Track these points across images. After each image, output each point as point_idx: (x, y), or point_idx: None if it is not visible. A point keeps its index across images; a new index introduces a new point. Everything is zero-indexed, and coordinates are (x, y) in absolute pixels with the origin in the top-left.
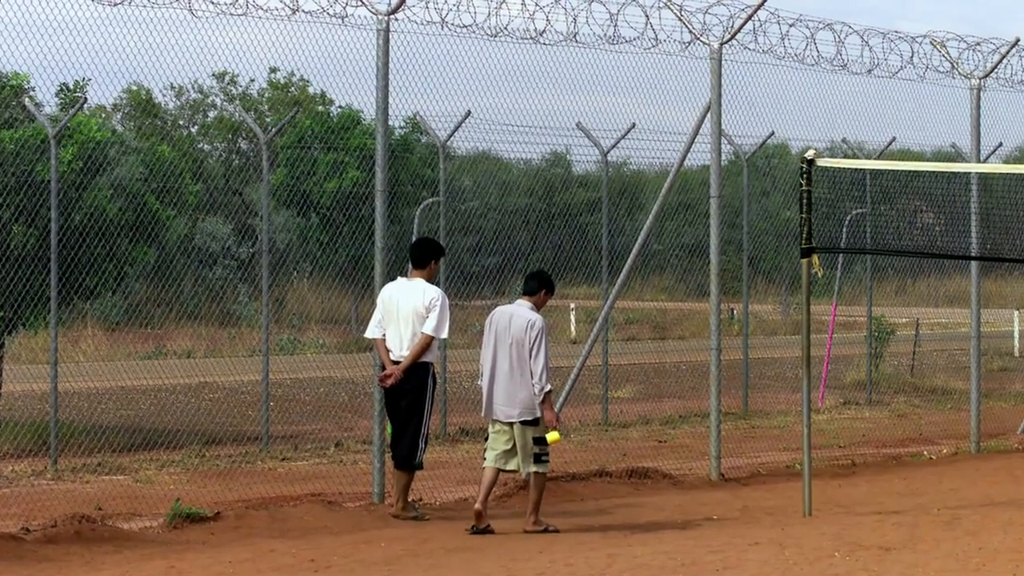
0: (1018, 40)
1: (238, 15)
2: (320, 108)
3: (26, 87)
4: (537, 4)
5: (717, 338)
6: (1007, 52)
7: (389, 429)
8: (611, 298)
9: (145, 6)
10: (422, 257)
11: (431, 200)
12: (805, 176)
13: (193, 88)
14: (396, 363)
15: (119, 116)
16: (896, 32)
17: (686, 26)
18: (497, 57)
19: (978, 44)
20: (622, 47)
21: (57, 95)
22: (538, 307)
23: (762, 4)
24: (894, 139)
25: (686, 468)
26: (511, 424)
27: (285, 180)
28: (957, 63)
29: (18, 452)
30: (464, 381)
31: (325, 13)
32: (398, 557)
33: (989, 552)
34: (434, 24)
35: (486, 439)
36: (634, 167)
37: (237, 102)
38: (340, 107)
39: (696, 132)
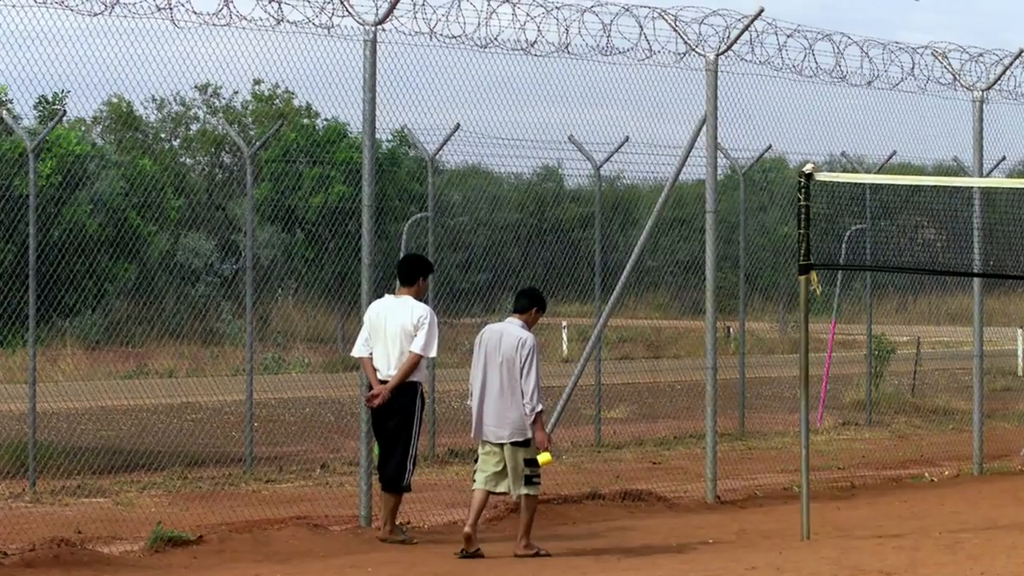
0: (1022, 51)
1: (221, 25)
2: (306, 121)
3: (3, 99)
4: (528, 15)
5: (713, 357)
6: (1010, 64)
7: (376, 450)
8: (604, 316)
9: (126, 16)
10: (410, 274)
11: (419, 215)
12: (803, 191)
13: (175, 100)
14: (384, 383)
15: (99, 129)
16: (896, 43)
17: (681, 37)
18: (487, 69)
19: (981, 55)
20: (615, 58)
21: (35, 107)
22: (529, 325)
23: (759, 14)
24: (895, 153)
25: (681, 490)
26: (501, 445)
27: (269, 195)
28: (959, 75)
29: None
30: (453, 401)
31: (311, 23)
32: None
33: None
34: (422, 35)
35: (476, 460)
36: (628, 181)
37: (220, 115)
38: (326, 120)
39: (691, 145)
